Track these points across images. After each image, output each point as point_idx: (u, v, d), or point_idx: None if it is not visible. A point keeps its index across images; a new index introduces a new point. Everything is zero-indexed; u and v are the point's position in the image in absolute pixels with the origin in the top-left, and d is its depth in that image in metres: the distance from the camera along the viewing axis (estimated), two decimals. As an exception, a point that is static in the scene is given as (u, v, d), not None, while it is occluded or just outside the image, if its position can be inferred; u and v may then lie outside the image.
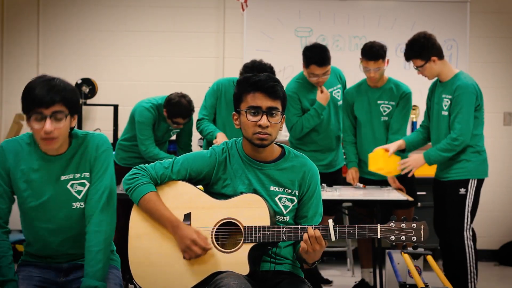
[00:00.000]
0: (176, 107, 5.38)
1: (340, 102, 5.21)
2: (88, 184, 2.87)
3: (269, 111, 2.78)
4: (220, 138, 4.97)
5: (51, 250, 2.88)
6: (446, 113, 4.69)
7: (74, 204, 2.86)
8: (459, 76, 4.67)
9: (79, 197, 2.86)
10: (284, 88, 2.91)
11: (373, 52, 4.96)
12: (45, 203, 2.83)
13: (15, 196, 2.92)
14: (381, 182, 5.07)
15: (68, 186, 2.85)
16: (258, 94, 2.79)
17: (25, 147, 2.85)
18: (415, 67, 4.75)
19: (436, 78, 4.82)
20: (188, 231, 2.74)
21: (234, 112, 2.88)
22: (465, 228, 4.62)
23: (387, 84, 5.08)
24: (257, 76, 2.81)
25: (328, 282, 5.52)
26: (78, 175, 2.86)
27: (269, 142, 2.81)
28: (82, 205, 2.87)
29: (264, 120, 2.77)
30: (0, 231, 2.84)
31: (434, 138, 4.83)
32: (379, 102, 5.07)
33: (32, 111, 2.72)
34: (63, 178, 2.85)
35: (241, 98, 2.83)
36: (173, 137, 5.84)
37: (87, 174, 2.87)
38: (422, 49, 4.67)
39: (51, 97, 2.69)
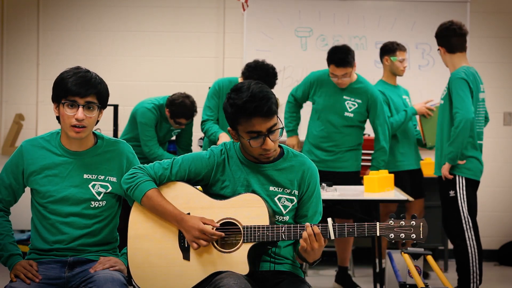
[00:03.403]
0: (180, 107, 5.37)
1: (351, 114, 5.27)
2: (110, 188, 2.95)
3: (270, 131, 2.74)
4: (223, 139, 4.97)
5: (62, 243, 2.92)
6: (442, 101, 4.86)
7: (92, 203, 2.93)
8: (462, 67, 4.77)
9: (99, 198, 2.94)
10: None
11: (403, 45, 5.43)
12: (64, 198, 2.91)
13: (27, 191, 3.01)
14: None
15: (90, 185, 2.93)
16: (256, 119, 2.71)
17: (47, 144, 2.96)
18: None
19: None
20: (193, 222, 2.73)
21: (229, 129, 2.82)
22: (465, 229, 4.63)
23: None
24: (251, 102, 2.68)
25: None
26: (102, 177, 2.95)
27: (274, 156, 2.81)
28: (100, 205, 2.94)
29: (268, 144, 2.73)
30: (3, 214, 2.99)
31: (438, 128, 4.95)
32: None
33: (65, 99, 2.83)
34: (85, 176, 2.94)
35: (237, 121, 2.74)
36: (173, 137, 5.84)
37: (113, 179, 2.96)
38: (435, 36, 4.87)
39: (86, 89, 2.83)
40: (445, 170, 4.70)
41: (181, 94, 5.43)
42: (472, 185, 4.73)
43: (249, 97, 2.69)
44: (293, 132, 5.48)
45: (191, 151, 5.88)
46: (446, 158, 4.69)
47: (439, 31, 4.85)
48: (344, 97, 5.16)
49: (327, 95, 5.20)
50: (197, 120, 5.58)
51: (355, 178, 5.27)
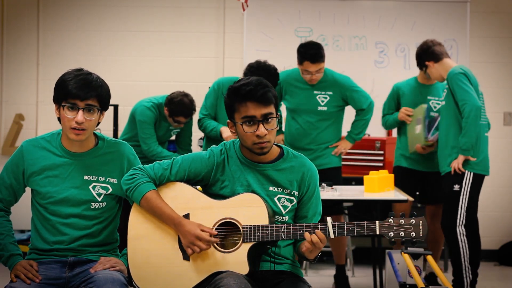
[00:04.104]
0: (179, 106, 5.38)
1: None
2: (111, 189, 2.95)
3: (265, 119, 2.76)
4: (225, 133, 4.99)
5: (62, 244, 2.92)
6: (443, 102, 4.91)
7: (93, 204, 2.93)
8: (457, 66, 4.85)
9: (99, 199, 2.93)
10: None
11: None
12: (65, 199, 2.90)
13: (27, 191, 3.01)
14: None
15: (90, 187, 2.93)
16: (250, 104, 2.74)
17: (47, 145, 2.95)
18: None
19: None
20: (190, 227, 2.73)
21: (228, 121, 2.86)
22: (457, 224, 4.69)
23: (437, 83, 5.35)
24: (247, 85, 2.75)
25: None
26: (102, 179, 2.95)
27: (269, 148, 2.81)
28: (100, 206, 2.94)
29: (261, 130, 2.74)
30: (3, 214, 2.98)
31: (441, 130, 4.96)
32: (429, 97, 5.32)
33: (65, 101, 2.83)
34: (86, 177, 2.93)
35: (234, 108, 2.79)
36: (173, 137, 5.84)
37: (114, 180, 2.95)
38: (417, 58, 5.06)
39: (86, 92, 2.81)
40: (458, 163, 4.72)
41: (180, 93, 5.45)
42: (479, 181, 4.77)
43: (247, 82, 2.76)
44: (277, 131, 5.48)
45: (191, 150, 5.88)
46: (460, 151, 4.71)
47: (419, 51, 5.03)
48: (315, 92, 5.13)
49: (298, 94, 5.19)
50: (196, 119, 5.59)
51: (338, 174, 5.25)
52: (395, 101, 5.44)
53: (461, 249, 4.68)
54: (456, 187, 4.71)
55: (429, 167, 5.29)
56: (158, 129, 5.54)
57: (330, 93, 5.12)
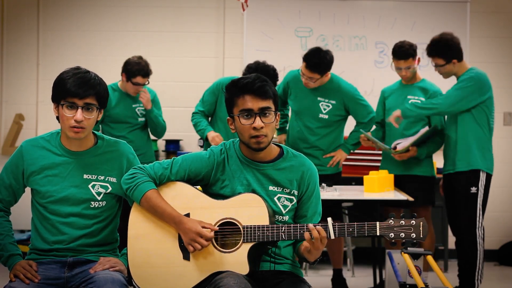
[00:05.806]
0: (134, 65, 5.31)
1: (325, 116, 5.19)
2: (110, 188, 2.95)
3: (262, 112, 2.77)
4: (211, 138, 5.00)
5: (62, 244, 2.92)
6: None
7: (92, 203, 2.93)
8: (473, 68, 4.83)
9: (99, 198, 2.94)
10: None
11: (402, 52, 5.06)
12: (64, 198, 2.91)
13: (27, 191, 3.01)
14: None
15: (90, 186, 2.93)
16: (248, 96, 2.77)
17: (47, 144, 2.95)
18: (434, 64, 4.86)
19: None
20: (191, 224, 2.73)
21: (228, 117, 2.87)
22: (477, 227, 4.69)
23: (420, 83, 5.21)
24: (245, 79, 2.79)
25: None
26: (102, 178, 2.95)
27: (266, 144, 2.80)
28: (100, 205, 2.94)
29: (258, 122, 2.75)
30: (3, 214, 2.99)
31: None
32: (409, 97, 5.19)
33: (64, 100, 2.84)
34: (85, 176, 2.94)
35: (232, 102, 2.81)
36: (142, 119, 5.69)
37: (113, 179, 2.96)
38: (447, 49, 4.78)
39: (85, 90, 2.82)
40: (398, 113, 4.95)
41: (135, 56, 5.40)
42: (489, 181, 4.79)
43: (245, 77, 2.80)
44: (281, 130, 5.46)
45: (159, 134, 5.64)
46: (409, 110, 4.89)
47: (450, 43, 4.77)
48: (318, 98, 5.07)
49: (302, 97, 5.13)
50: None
51: (336, 180, 5.19)
52: (382, 105, 5.36)
53: (478, 252, 4.67)
54: (473, 189, 4.69)
55: (401, 170, 5.19)
56: (117, 109, 5.41)
57: (334, 102, 5.06)
